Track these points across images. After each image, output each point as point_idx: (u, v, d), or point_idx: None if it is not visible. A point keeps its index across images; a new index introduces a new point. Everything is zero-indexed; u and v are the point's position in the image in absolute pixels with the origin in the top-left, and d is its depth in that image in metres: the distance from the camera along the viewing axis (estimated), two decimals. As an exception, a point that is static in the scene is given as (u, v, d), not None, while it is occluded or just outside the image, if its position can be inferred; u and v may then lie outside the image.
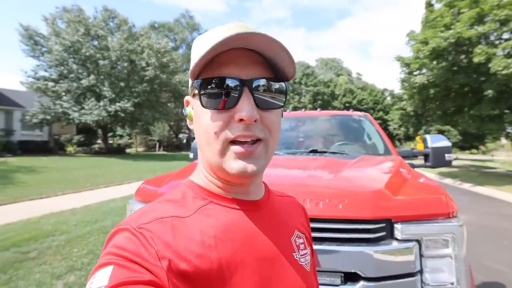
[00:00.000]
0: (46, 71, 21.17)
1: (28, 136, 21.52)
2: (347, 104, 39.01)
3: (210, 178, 0.58)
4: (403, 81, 15.55)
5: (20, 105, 21.64)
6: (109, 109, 19.96)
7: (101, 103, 20.10)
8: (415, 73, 14.32)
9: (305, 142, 2.84)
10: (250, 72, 0.51)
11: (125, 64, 21.35)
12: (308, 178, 1.68)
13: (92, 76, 20.36)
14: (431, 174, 13.92)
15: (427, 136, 2.64)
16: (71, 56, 20.56)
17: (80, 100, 20.63)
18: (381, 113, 41.52)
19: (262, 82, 0.52)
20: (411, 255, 1.25)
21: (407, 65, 14.29)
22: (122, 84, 21.18)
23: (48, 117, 19.97)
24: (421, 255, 1.28)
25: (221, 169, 0.53)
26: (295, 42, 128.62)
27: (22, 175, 10.66)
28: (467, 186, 11.29)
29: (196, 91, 0.53)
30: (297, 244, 0.62)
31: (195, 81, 0.53)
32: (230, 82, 0.50)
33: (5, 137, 19.12)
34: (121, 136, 33.32)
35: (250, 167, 0.51)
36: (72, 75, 20.56)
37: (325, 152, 2.40)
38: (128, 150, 29.16)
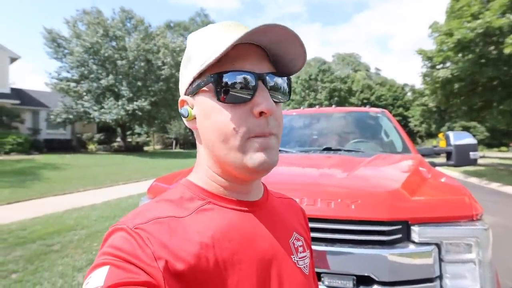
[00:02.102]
0: (68, 72, 21.90)
1: (52, 135, 22.31)
2: (365, 101, 38.14)
3: (212, 178, 0.57)
4: (425, 75, 14.96)
5: (46, 105, 22.42)
6: (127, 108, 20.43)
7: (120, 102, 20.58)
8: (438, 67, 13.69)
9: (319, 140, 2.76)
10: (261, 67, 0.52)
11: (142, 64, 21.73)
12: (320, 177, 1.61)
13: (110, 76, 20.90)
14: (454, 173, 13.35)
15: (450, 133, 2.50)
16: (91, 57, 21.16)
17: (100, 100, 21.20)
18: (401, 109, 40.43)
19: (273, 76, 0.53)
20: (429, 259, 1.17)
21: (430, 58, 13.68)
22: (139, 83, 21.61)
23: (71, 117, 20.68)
24: (440, 260, 1.20)
25: (240, 164, 0.52)
26: (310, 37, 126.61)
27: (47, 172, 11.17)
28: (494, 185, 10.69)
29: (206, 88, 0.53)
30: (296, 246, 0.61)
31: (210, 75, 0.51)
32: (246, 76, 0.50)
33: (32, 136, 19.85)
34: (139, 134, 33.97)
35: (269, 158, 0.51)
36: (92, 76, 21.15)
37: (339, 150, 2.33)
38: (145, 148, 29.79)
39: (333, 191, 1.33)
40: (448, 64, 13.09)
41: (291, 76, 0.59)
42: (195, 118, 0.57)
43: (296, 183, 1.42)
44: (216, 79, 0.51)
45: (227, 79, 0.50)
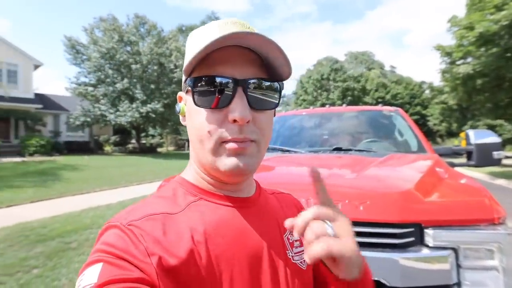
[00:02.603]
0: (86, 77, 22.71)
1: (72, 137, 23.26)
2: (379, 100, 37.23)
3: (201, 175, 0.57)
4: (444, 72, 14.44)
5: (66, 109, 23.35)
6: (141, 110, 20.89)
7: (134, 105, 21.08)
8: (458, 62, 13.13)
9: (329, 140, 2.68)
10: (244, 72, 0.51)
11: (155, 67, 22.21)
12: (327, 177, 1.54)
13: (125, 80, 21.49)
14: (479, 175, 12.66)
15: (470, 131, 2.37)
16: (107, 62, 21.85)
17: (116, 103, 21.81)
18: (419, 108, 39.35)
19: (256, 82, 0.51)
20: (445, 265, 1.10)
21: (449, 54, 13.17)
22: (152, 86, 22.14)
23: (88, 119, 21.39)
24: (458, 266, 1.12)
25: (214, 167, 0.53)
26: (321, 36, 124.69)
27: (67, 173, 11.72)
28: (525, 188, 10.15)
29: (189, 89, 0.53)
30: (291, 241, 0.61)
31: (189, 78, 0.53)
32: (224, 81, 0.50)
33: (53, 138, 20.79)
34: (152, 136, 34.56)
35: (242, 164, 0.51)
36: (108, 80, 21.83)
37: (350, 150, 2.24)
38: (159, 149, 30.33)
39: (340, 192, 1.27)
40: (469, 59, 12.56)
41: (284, 81, 0.56)
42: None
43: (302, 183, 1.36)
44: (193, 83, 0.51)
45: (202, 84, 0.50)
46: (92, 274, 0.41)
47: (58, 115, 23.06)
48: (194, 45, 0.53)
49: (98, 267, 0.41)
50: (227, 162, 0.51)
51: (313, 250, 0.42)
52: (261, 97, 0.51)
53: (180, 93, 0.60)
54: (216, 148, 0.51)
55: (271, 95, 0.53)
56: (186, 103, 0.57)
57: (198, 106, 0.51)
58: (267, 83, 0.53)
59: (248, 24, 0.55)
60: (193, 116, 0.53)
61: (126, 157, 20.45)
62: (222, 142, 0.51)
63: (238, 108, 0.49)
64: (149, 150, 26.37)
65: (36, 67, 22.21)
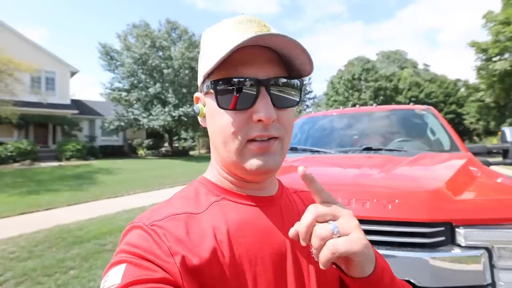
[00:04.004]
0: (120, 82, 23.55)
1: (107, 141, 24.05)
2: (413, 99, 35.89)
3: (223, 175, 0.58)
4: (479, 69, 13.81)
5: (100, 114, 24.21)
6: (173, 114, 21.30)
7: (166, 109, 21.54)
8: (494, 59, 12.56)
9: (359, 139, 2.67)
10: (266, 71, 0.50)
11: (187, 71, 22.54)
12: (356, 177, 1.56)
13: (158, 84, 22.04)
14: (518, 174, 12.01)
15: (506, 129, 2.29)
16: (140, 67, 22.50)
17: (148, 107, 22.41)
18: (454, 106, 37.37)
19: (278, 81, 0.51)
20: (478, 265, 1.08)
21: (484, 50, 12.61)
22: (184, 90, 22.51)
23: (122, 124, 22.10)
24: (492, 266, 1.10)
25: (239, 167, 0.53)
26: (352, 36, 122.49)
27: (102, 176, 12.06)
28: None
29: (211, 91, 0.53)
30: None
31: (211, 81, 0.52)
32: (247, 82, 0.49)
33: (89, 143, 21.58)
34: (185, 139, 35.23)
35: (269, 162, 0.51)
36: (141, 85, 22.50)
37: (380, 149, 2.23)
38: (191, 152, 30.73)
39: (369, 191, 1.29)
40: (506, 55, 11.93)
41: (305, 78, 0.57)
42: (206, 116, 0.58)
43: (330, 184, 1.39)
44: (216, 86, 0.51)
45: (225, 85, 0.50)
46: (116, 275, 0.41)
47: (93, 120, 23.88)
48: (213, 47, 0.53)
49: (121, 268, 0.42)
50: (253, 163, 0.51)
51: (323, 256, 0.41)
52: (283, 95, 0.52)
53: (196, 94, 0.60)
54: (241, 148, 0.51)
55: (292, 93, 0.53)
56: (205, 105, 0.57)
57: (222, 108, 0.51)
58: (288, 81, 0.53)
59: (264, 22, 0.54)
60: (216, 117, 0.53)
61: (159, 160, 20.84)
62: (247, 141, 0.51)
63: (263, 108, 0.49)
64: (182, 153, 26.77)
65: (73, 73, 22.98)
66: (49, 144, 20.69)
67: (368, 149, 2.25)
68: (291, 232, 0.46)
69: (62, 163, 16.63)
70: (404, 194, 1.25)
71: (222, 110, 0.51)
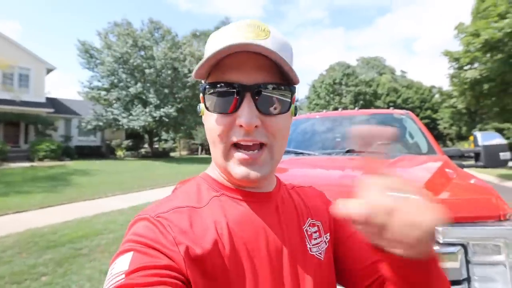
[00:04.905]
0: (99, 81, 23.00)
1: (83, 142, 23.33)
2: (391, 104, 37.02)
3: (220, 173, 0.60)
4: (452, 77, 14.49)
5: (77, 113, 23.44)
6: (154, 114, 21.02)
7: (147, 109, 21.23)
8: (465, 67, 13.29)
9: (342, 142, 2.74)
10: (253, 77, 0.51)
11: (169, 72, 22.34)
12: (341, 177, 1.61)
13: (139, 84, 21.70)
14: (488, 177, 12.59)
15: (478, 133, 2.44)
16: (121, 66, 22.08)
17: (129, 107, 21.98)
18: (429, 111, 38.84)
19: (266, 87, 0.51)
20: (455, 261, 1.14)
21: (456, 59, 13.31)
22: (166, 90, 22.27)
23: (101, 124, 21.55)
24: (467, 262, 1.16)
25: (226, 171, 0.55)
26: (333, 42, 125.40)
27: (78, 178, 11.60)
28: (533, 190, 10.05)
29: (201, 93, 0.55)
30: (309, 233, 0.62)
31: (201, 84, 0.55)
32: (233, 88, 0.51)
33: (64, 143, 20.73)
34: (165, 141, 34.67)
35: (254, 174, 0.52)
36: (121, 84, 22.04)
37: (362, 152, 2.29)
38: (172, 154, 30.32)
39: (351, 192, 1.32)
40: (476, 64, 12.70)
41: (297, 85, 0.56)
42: None
43: (315, 184, 1.42)
44: (204, 89, 0.54)
45: (213, 89, 0.53)
46: (123, 262, 0.43)
47: (69, 120, 23.15)
48: (208, 50, 0.55)
49: (129, 255, 0.44)
50: (237, 171, 0.52)
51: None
52: (271, 101, 0.52)
53: (201, 94, 0.62)
54: (226, 151, 0.53)
55: (282, 99, 0.53)
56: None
57: (209, 111, 0.54)
58: (277, 87, 0.52)
59: (264, 26, 0.54)
60: (206, 118, 0.56)
61: (138, 161, 20.46)
62: (232, 145, 0.53)
63: (245, 114, 0.50)
64: (162, 155, 26.42)
65: (49, 71, 22.21)
66: (20, 143, 19.76)
67: (351, 151, 2.32)
68: (341, 209, 0.40)
69: (35, 164, 15.87)
70: None
71: (210, 112, 0.54)
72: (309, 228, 0.62)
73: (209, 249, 0.48)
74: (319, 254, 0.61)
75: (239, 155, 0.52)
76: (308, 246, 0.60)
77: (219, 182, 0.60)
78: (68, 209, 6.58)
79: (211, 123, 0.54)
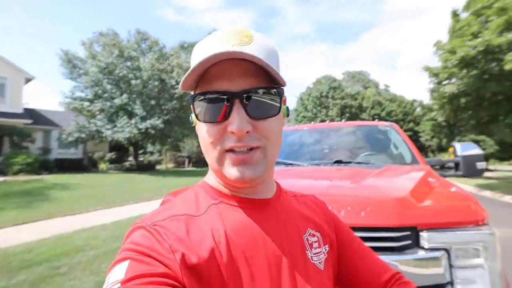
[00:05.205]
0: (82, 91, 22.41)
1: (64, 154, 22.41)
2: (375, 116, 38.05)
3: (218, 180, 0.60)
4: (432, 91, 15.16)
5: (58, 125, 22.57)
6: (140, 126, 20.58)
7: (133, 121, 20.77)
8: (444, 82, 13.95)
9: (329, 153, 2.81)
10: (241, 83, 0.52)
11: (156, 83, 22.02)
12: (330, 187, 1.66)
13: (124, 95, 21.24)
14: (468, 187, 13.09)
15: (457, 144, 2.58)
16: (106, 77, 21.60)
17: (113, 119, 21.45)
18: (411, 124, 40.05)
19: (254, 92, 0.52)
20: (439, 265, 1.19)
21: (436, 75, 13.93)
22: (152, 102, 21.89)
23: (83, 135, 20.80)
24: (450, 265, 1.22)
25: (221, 175, 0.56)
26: (320, 56, 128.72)
27: (57, 192, 10.97)
28: (508, 198, 10.46)
29: (191, 104, 0.56)
30: (310, 242, 0.62)
31: (190, 96, 0.56)
32: (221, 96, 0.52)
33: (42, 156, 19.72)
34: (151, 153, 34.12)
35: (247, 173, 0.53)
36: (106, 95, 21.54)
37: (349, 162, 2.37)
38: (158, 167, 29.56)
39: (343, 200, 1.38)
40: (453, 80, 13.40)
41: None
42: None
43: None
44: (193, 99, 0.55)
45: (201, 99, 0.53)
46: (120, 270, 0.43)
47: (49, 131, 22.27)
48: (194, 60, 0.55)
49: (125, 264, 0.44)
50: (231, 172, 0.53)
51: None
52: (260, 105, 0.53)
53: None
54: (220, 156, 0.54)
55: (271, 103, 0.54)
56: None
57: (200, 121, 0.55)
58: (266, 91, 0.53)
59: (247, 32, 0.55)
60: (198, 128, 0.58)
61: (122, 174, 19.78)
62: (225, 151, 0.53)
63: (235, 121, 0.51)
64: (147, 168, 25.76)
65: (28, 80, 21.36)
66: (-8, 156, 18.53)
67: (339, 162, 2.38)
68: None
69: (8, 178, 14.69)
70: (375, 202, 1.35)
71: (201, 122, 0.55)
72: (310, 238, 0.63)
73: (206, 257, 0.48)
74: (319, 264, 0.61)
75: (232, 156, 0.53)
76: (309, 254, 0.60)
77: (217, 190, 0.60)
78: (45, 225, 6.19)
79: (204, 132, 0.55)
